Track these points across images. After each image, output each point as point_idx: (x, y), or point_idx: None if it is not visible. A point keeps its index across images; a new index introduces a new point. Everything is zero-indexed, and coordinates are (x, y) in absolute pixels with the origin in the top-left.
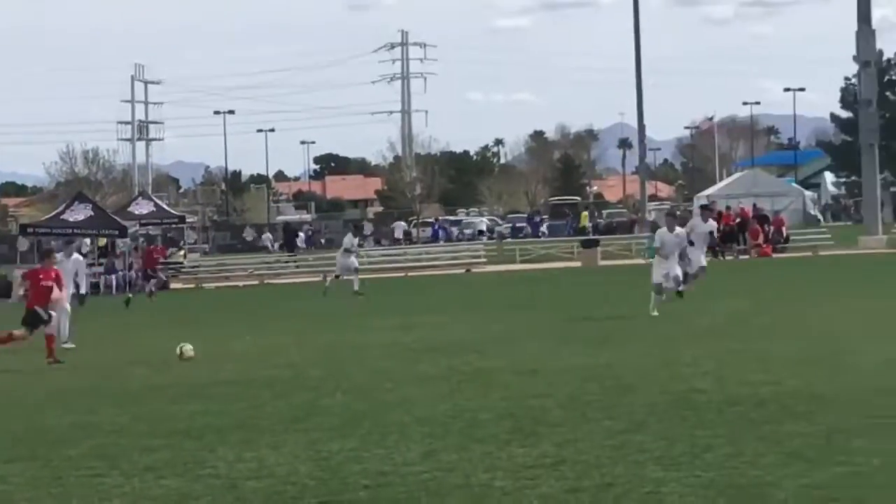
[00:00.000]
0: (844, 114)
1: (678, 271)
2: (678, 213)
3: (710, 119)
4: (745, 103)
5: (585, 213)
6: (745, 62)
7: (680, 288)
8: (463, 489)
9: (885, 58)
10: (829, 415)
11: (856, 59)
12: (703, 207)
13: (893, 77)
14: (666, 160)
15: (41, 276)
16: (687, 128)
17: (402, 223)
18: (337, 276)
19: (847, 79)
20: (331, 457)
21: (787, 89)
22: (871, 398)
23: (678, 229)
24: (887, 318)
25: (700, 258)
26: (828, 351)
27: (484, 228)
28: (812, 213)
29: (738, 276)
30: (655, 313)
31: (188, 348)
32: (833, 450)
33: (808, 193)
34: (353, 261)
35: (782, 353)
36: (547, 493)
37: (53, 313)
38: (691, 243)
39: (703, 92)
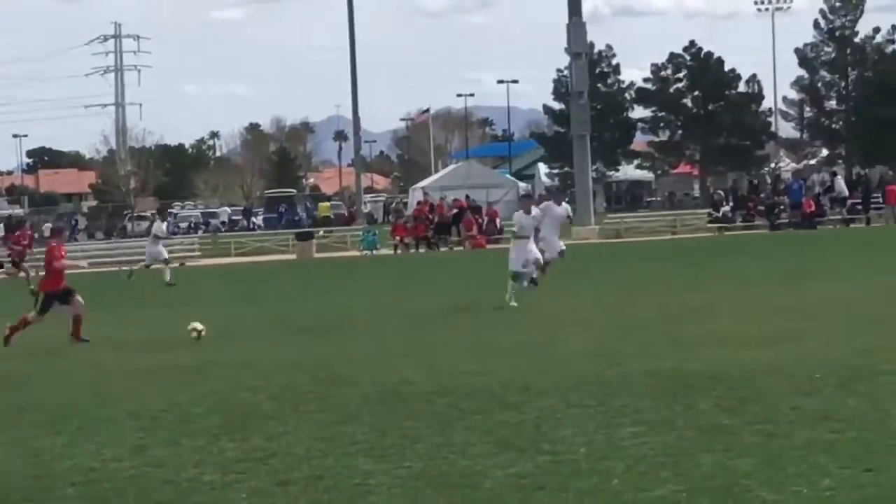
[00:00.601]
0: (557, 105)
1: (536, 254)
2: (533, 194)
3: (425, 111)
4: (459, 95)
5: (326, 204)
6: (459, 54)
7: (534, 275)
8: (172, 484)
9: (596, 49)
10: (538, 404)
11: (567, 50)
12: (555, 191)
13: (605, 69)
14: (382, 152)
15: (57, 255)
16: (402, 120)
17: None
18: (147, 266)
19: (559, 70)
20: (41, 454)
21: (500, 81)
22: (577, 386)
23: (535, 210)
24: (594, 306)
25: (558, 242)
26: (538, 341)
27: (226, 220)
28: None
29: (452, 266)
30: (514, 303)
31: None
32: (541, 438)
33: (522, 185)
34: (162, 249)
35: (495, 344)
36: (256, 486)
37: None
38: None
39: (419, 84)
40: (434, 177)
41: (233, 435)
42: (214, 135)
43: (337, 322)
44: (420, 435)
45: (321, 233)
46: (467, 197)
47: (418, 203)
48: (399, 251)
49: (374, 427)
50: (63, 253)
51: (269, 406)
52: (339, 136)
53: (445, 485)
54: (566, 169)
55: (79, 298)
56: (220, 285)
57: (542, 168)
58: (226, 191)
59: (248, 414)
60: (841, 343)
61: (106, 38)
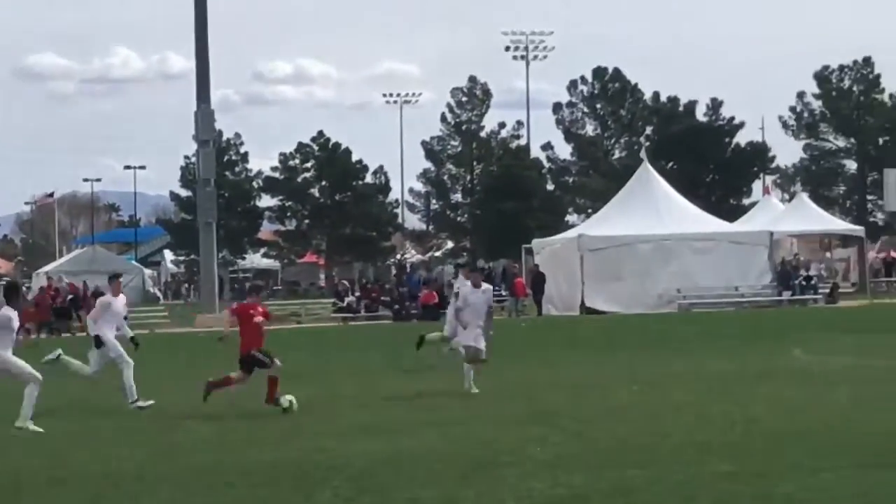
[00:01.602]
0: (184, 192)
1: (479, 345)
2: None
3: (50, 195)
4: (86, 180)
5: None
6: (87, 139)
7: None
8: None
9: (224, 137)
10: (157, 494)
11: (195, 138)
12: (473, 269)
13: (233, 157)
14: (5, 236)
15: (251, 312)
16: (27, 203)
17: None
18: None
19: (187, 157)
20: None
21: (127, 167)
22: (196, 477)
23: (485, 285)
24: (215, 396)
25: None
26: (157, 430)
27: None
28: (152, 290)
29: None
30: (475, 390)
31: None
32: None
33: (147, 271)
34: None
35: (109, 431)
36: None
37: (277, 360)
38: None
39: (46, 168)
40: (58, 261)
41: None
42: None
43: None
44: None
45: None
46: (84, 283)
47: (41, 289)
48: (20, 336)
49: None
50: (259, 311)
51: None
52: None
53: None
54: (192, 256)
55: (276, 361)
56: None
57: (169, 255)
58: None
59: None
60: (463, 435)
61: None
